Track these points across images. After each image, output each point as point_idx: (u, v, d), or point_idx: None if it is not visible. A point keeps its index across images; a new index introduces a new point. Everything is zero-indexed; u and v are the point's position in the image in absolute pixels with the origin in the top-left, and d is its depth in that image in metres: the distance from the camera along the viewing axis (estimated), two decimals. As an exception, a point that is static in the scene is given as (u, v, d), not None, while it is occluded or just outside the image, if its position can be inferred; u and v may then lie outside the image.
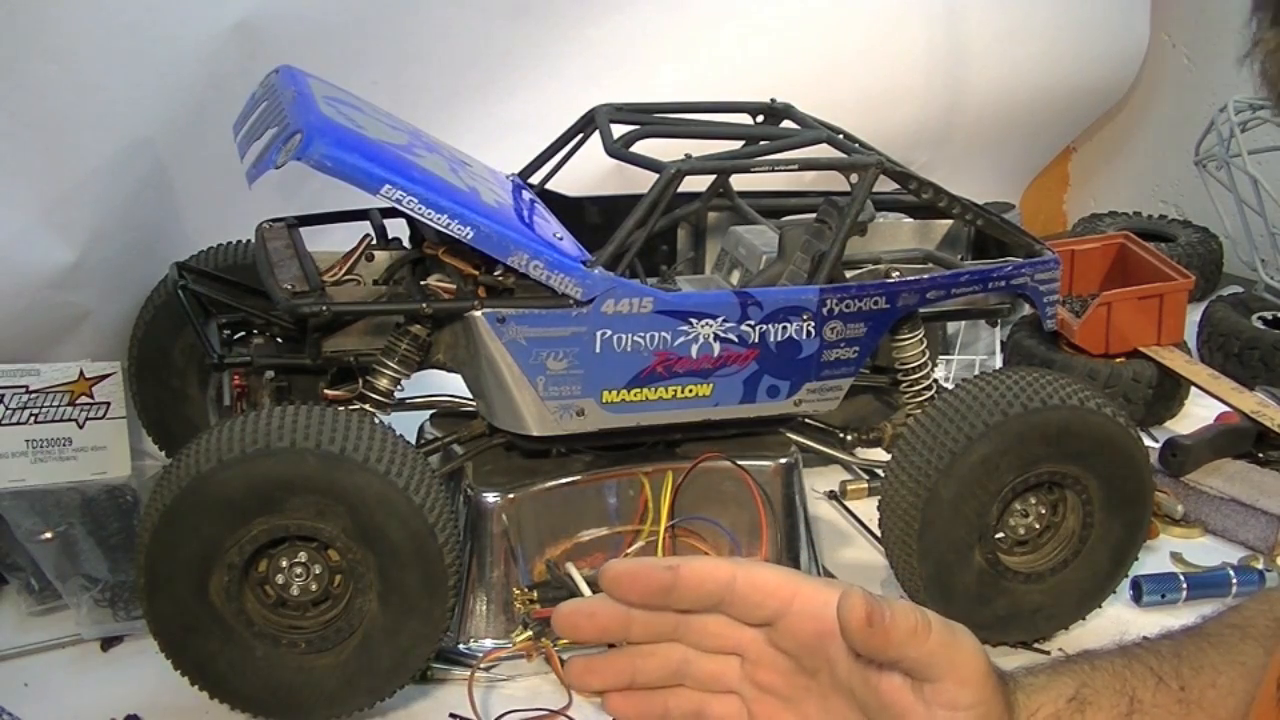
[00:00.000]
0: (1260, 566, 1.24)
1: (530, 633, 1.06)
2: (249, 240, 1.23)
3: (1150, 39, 2.05)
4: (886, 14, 1.80)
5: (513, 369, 1.03)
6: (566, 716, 1.02)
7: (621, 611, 0.69)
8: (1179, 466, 1.34)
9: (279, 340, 1.16)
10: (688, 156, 1.11)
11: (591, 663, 0.72)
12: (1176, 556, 1.27)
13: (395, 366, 1.07)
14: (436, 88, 1.53)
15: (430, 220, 0.99)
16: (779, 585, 0.68)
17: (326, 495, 0.95)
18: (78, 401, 1.28)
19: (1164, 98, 2.11)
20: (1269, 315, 1.65)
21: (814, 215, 1.19)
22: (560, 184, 1.27)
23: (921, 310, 1.15)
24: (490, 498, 1.09)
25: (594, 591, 1.05)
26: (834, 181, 1.17)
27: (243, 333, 1.18)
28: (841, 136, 1.19)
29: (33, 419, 1.26)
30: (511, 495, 1.09)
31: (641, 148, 1.15)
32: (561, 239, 1.08)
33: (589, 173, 1.36)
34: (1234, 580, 1.20)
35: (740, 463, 1.11)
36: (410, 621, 0.98)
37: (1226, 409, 1.44)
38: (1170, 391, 1.53)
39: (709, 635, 0.71)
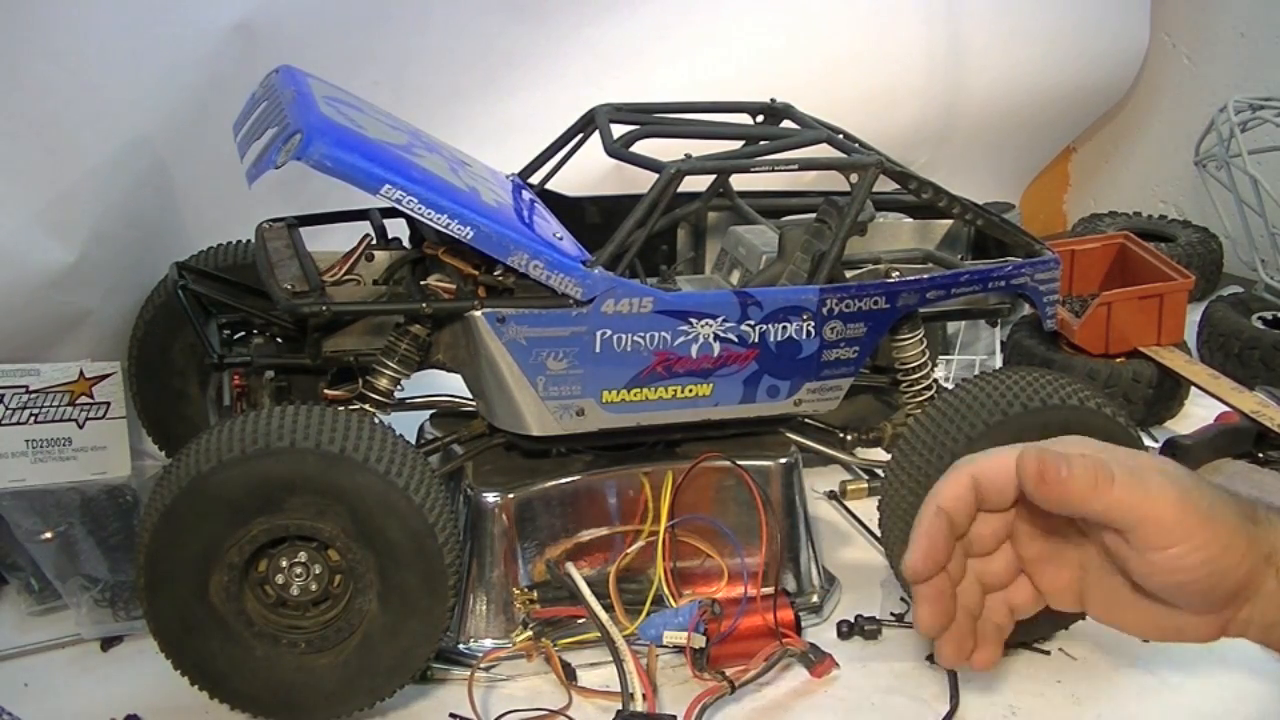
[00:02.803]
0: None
1: (530, 633, 1.06)
2: (249, 240, 1.23)
3: (1150, 39, 2.05)
4: (887, 14, 1.80)
5: (513, 369, 1.03)
6: (566, 716, 1.02)
7: (944, 545, 0.71)
8: (1179, 466, 1.34)
9: (279, 340, 1.17)
10: (688, 156, 1.11)
11: (936, 593, 0.73)
12: (1176, 556, 1.27)
13: (395, 366, 1.07)
14: (437, 88, 1.53)
15: (430, 220, 1.00)
16: (1006, 464, 0.69)
17: (326, 495, 0.95)
18: (78, 401, 1.28)
19: (1164, 98, 2.11)
20: (1269, 315, 1.65)
21: (814, 215, 1.19)
22: (560, 184, 1.27)
23: (921, 310, 1.15)
24: (490, 498, 1.09)
25: (594, 592, 1.06)
26: (834, 181, 1.17)
27: (243, 333, 1.18)
28: (841, 136, 1.19)
29: (33, 419, 1.26)
30: (511, 495, 1.09)
31: (641, 148, 1.15)
32: (561, 239, 1.08)
33: (589, 173, 1.36)
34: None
35: (740, 463, 1.11)
36: (410, 621, 0.98)
37: (1226, 409, 1.44)
38: (1170, 391, 1.53)
39: (981, 538, 0.73)
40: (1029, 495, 0.65)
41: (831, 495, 1.38)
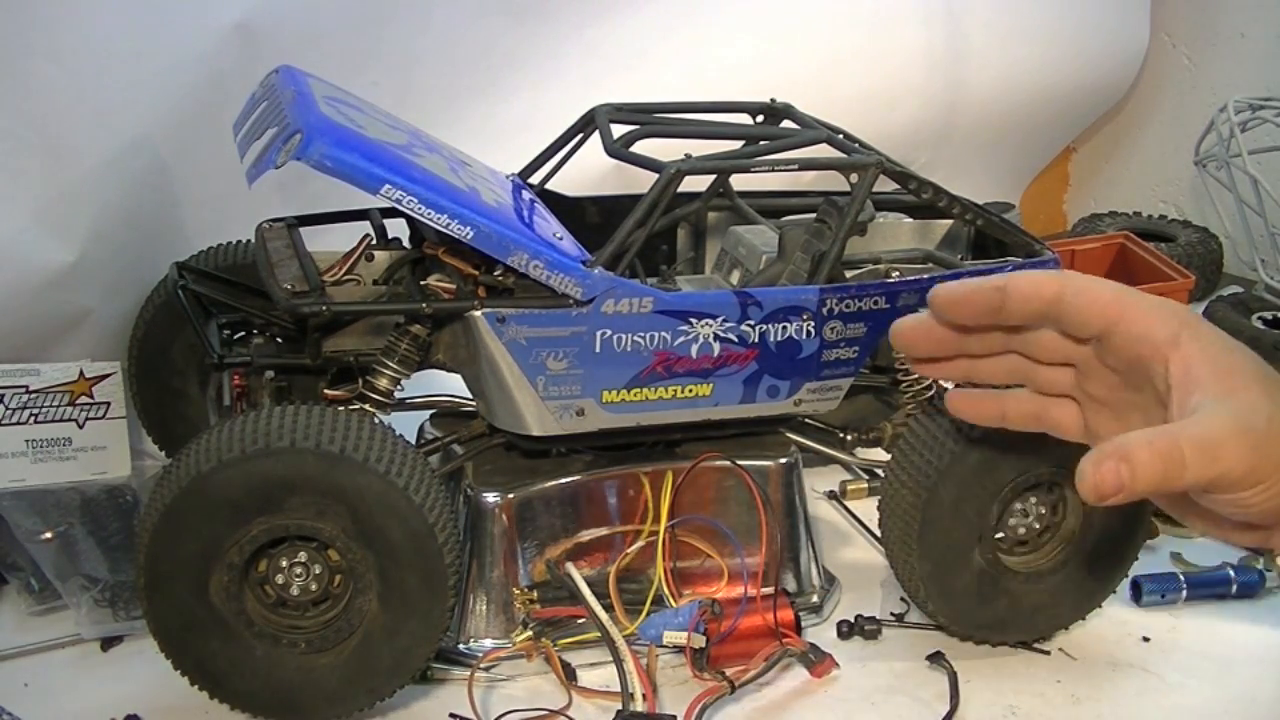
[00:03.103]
0: (1260, 566, 1.24)
1: (530, 633, 1.06)
2: (249, 240, 1.23)
3: (1150, 39, 2.05)
4: (886, 14, 1.80)
5: (513, 369, 1.03)
6: (566, 716, 1.02)
7: (954, 332, 0.72)
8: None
9: (279, 340, 1.17)
10: (688, 156, 1.11)
11: (929, 349, 0.74)
12: (1176, 556, 1.27)
13: (395, 366, 1.07)
14: (437, 88, 1.53)
15: (430, 220, 1.00)
16: (1107, 303, 0.69)
17: (326, 495, 0.95)
18: (78, 401, 1.28)
19: (1164, 98, 2.11)
20: (1269, 315, 1.65)
21: (814, 215, 1.19)
22: (560, 184, 1.27)
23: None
24: (490, 498, 1.09)
25: (594, 592, 1.06)
26: (834, 181, 1.17)
27: (243, 333, 1.18)
28: (841, 136, 1.19)
29: (33, 419, 1.26)
30: (511, 495, 1.09)
31: (641, 148, 1.15)
32: (561, 239, 1.08)
33: (589, 173, 1.36)
34: (1234, 580, 1.20)
35: (740, 463, 1.11)
36: (410, 621, 0.98)
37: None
38: (1170, 391, 1.53)
39: (1042, 348, 0.72)
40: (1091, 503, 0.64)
41: (831, 495, 1.38)
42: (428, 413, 1.25)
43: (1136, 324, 0.68)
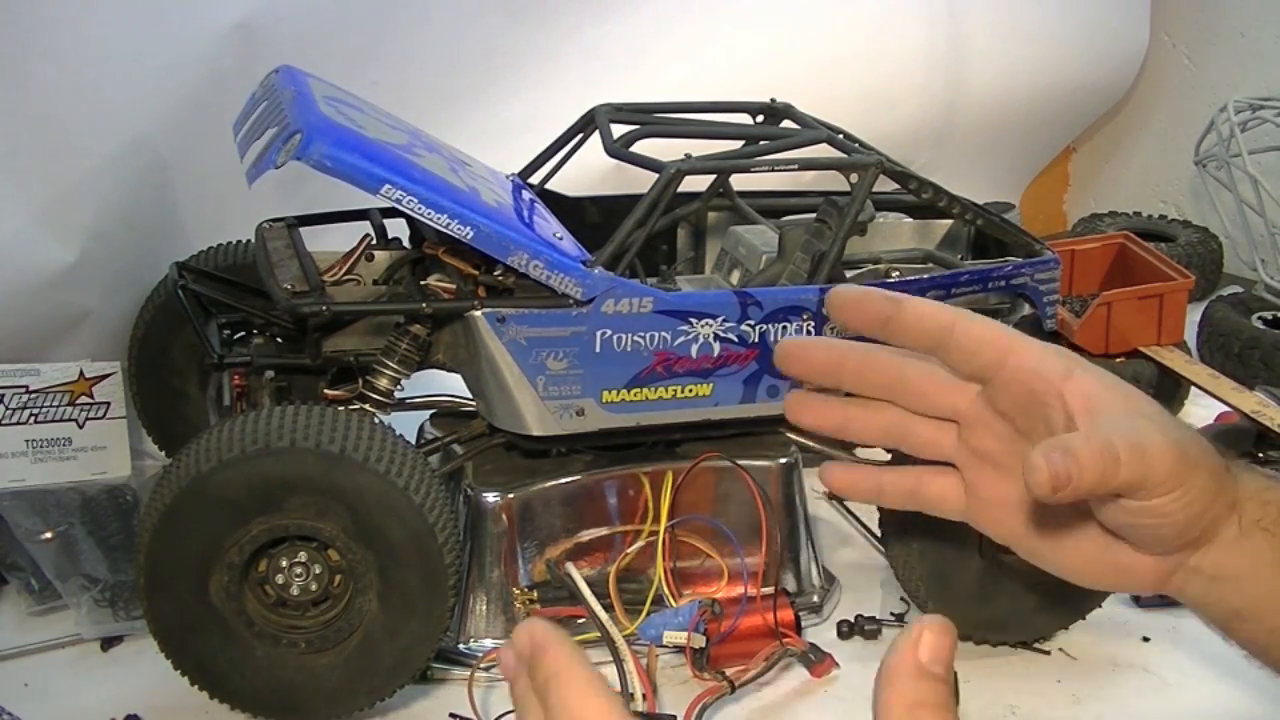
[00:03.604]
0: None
1: (530, 633, 1.06)
2: (249, 240, 1.23)
3: (1150, 39, 2.05)
4: (887, 13, 1.80)
5: (513, 369, 1.03)
6: (566, 716, 1.02)
7: (838, 352, 0.71)
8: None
9: (279, 340, 1.16)
10: (688, 156, 1.11)
11: (808, 397, 0.73)
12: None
13: (395, 366, 1.07)
14: (437, 88, 1.53)
15: (430, 220, 1.00)
16: (997, 337, 0.68)
17: (326, 495, 0.95)
18: (78, 401, 1.28)
19: (1164, 98, 2.11)
20: (1269, 315, 1.65)
21: (814, 215, 1.19)
22: (560, 184, 1.27)
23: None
24: (490, 498, 1.09)
25: (594, 592, 1.06)
26: (834, 181, 1.17)
27: (243, 333, 1.18)
28: (841, 136, 1.19)
29: (33, 419, 1.26)
30: (511, 495, 1.09)
31: (641, 148, 1.15)
32: (561, 239, 1.08)
33: (589, 173, 1.36)
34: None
35: (740, 463, 1.11)
36: (410, 621, 0.98)
37: (1226, 409, 1.44)
38: (1170, 391, 1.53)
39: (926, 396, 0.71)
40: (1039, 499, 0.63)
41: (831, 495, 1.38)
42: (428, 413, 1.25)
43: (1028, 358, 0.68)
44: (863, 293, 0.70)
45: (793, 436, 1.17)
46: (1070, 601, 1.12)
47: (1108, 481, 0.62)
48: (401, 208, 0.99)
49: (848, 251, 1.12)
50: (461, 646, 1.08)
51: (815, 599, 1.17)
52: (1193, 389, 1.53)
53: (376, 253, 1.15)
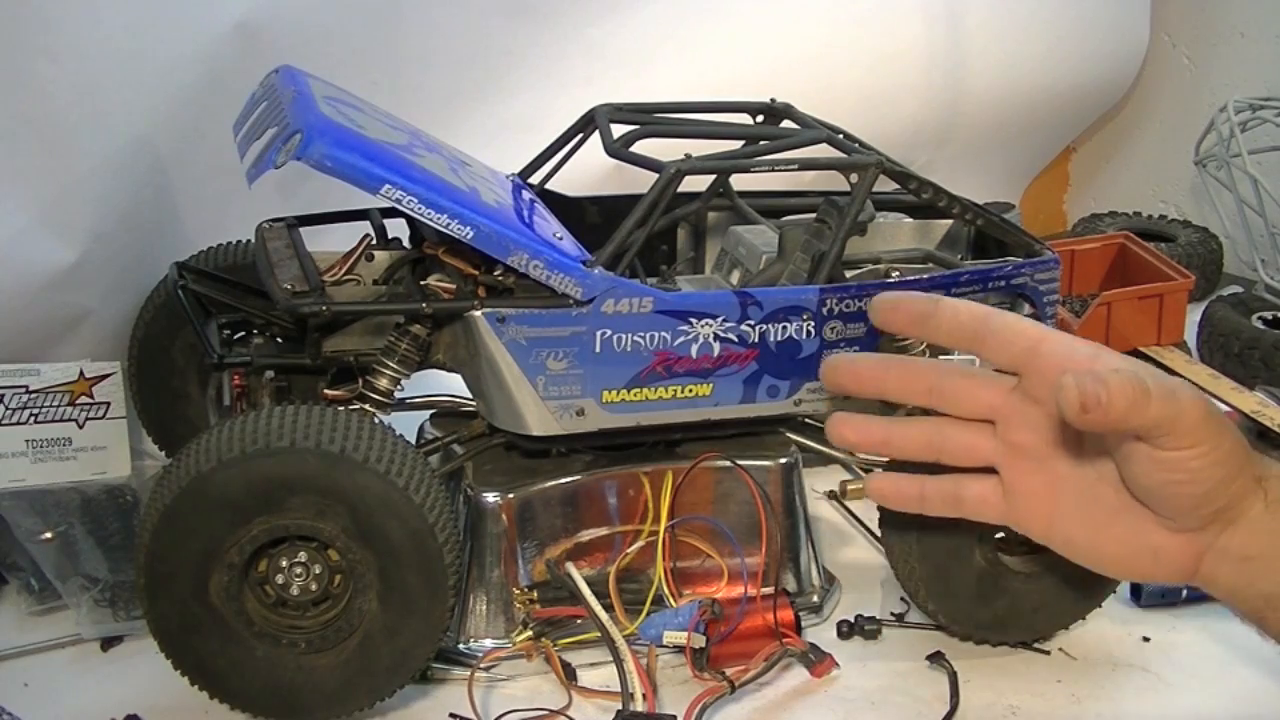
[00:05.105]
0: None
1: (530, 633, 1.06)
2: (249, 240, 1.23)
3: (1150, 39, 2.05)
4: (887, 13, 1.80)
5: (513, 369, 1.03)
6: (566, 716, 1.02)
7: (881, 364, 0.75)
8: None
9: (279, 340, 1.17)
10: (688, 156, 1.11)
11: (850, 418, 0.78)
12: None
13: (395, 366, 1.07)
14: (437, 88, 1.53)
15: (430, 220, 1.00)
16: (1029, 326, 0.72)
17: (326, 495, 0.95)
18: (78, 401, 1.28)
19: (1164, 98, 2.11)
20: (1269, 315, 1.65)
21: (814, 215, 1.19)
22: (560, 184, 1.27)
23: (921, 310, 1.15)
24: (490, 498, 1.09)
25: (594, 591, 1.06)
26: (834, 181, 1.17)
27: (243, 333, 1.18)
28: (841, 136, 1.19)
29: (33, 419, 1.26)
30: (511, 495, 1.09)
31: (641, 148, 1.15)
32: (561, 239, 1.08)
33: (589, 173, 1.36)
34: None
35: (740, 463, 1.11)
36: (410, 621, 0.98)
37: (1226, 409, 1.44)
38: (1170, 391, 1.53)
39: (964, 395, 0.74)
40: (1070, 422, 0.65)
41: (831, 495, 1.38)
42: (428, 413, 1.25)
43: (1059, 344, 0.71)
44: (902, 295, 0.75)
45: (793, 436, 1.17)
46: (1070, 602, 1.12)
47: (1139, 411, 0.64)
48: (401, 208, 0.99)
49: (848, 251, 1.12)
50: (461, 646, 1.08)
51: (815, 599, 1.17)
52: (1193, 389, 1.53)
53: (376, 253, 1.15)
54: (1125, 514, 0.71)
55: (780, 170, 1.13)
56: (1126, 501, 0.71)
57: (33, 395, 1.26)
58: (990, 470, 0.76)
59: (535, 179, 1.26)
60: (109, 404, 1.29)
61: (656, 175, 1.07)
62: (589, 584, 1.06)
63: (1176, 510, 0.69)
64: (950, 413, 0.75)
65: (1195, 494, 0.67)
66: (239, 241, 1.27)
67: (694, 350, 1.07)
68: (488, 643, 1.09)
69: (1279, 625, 0.72)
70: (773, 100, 1.27)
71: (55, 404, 1.27)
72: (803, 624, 1.12)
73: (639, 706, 1.00)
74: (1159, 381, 0.66)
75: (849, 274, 1.14)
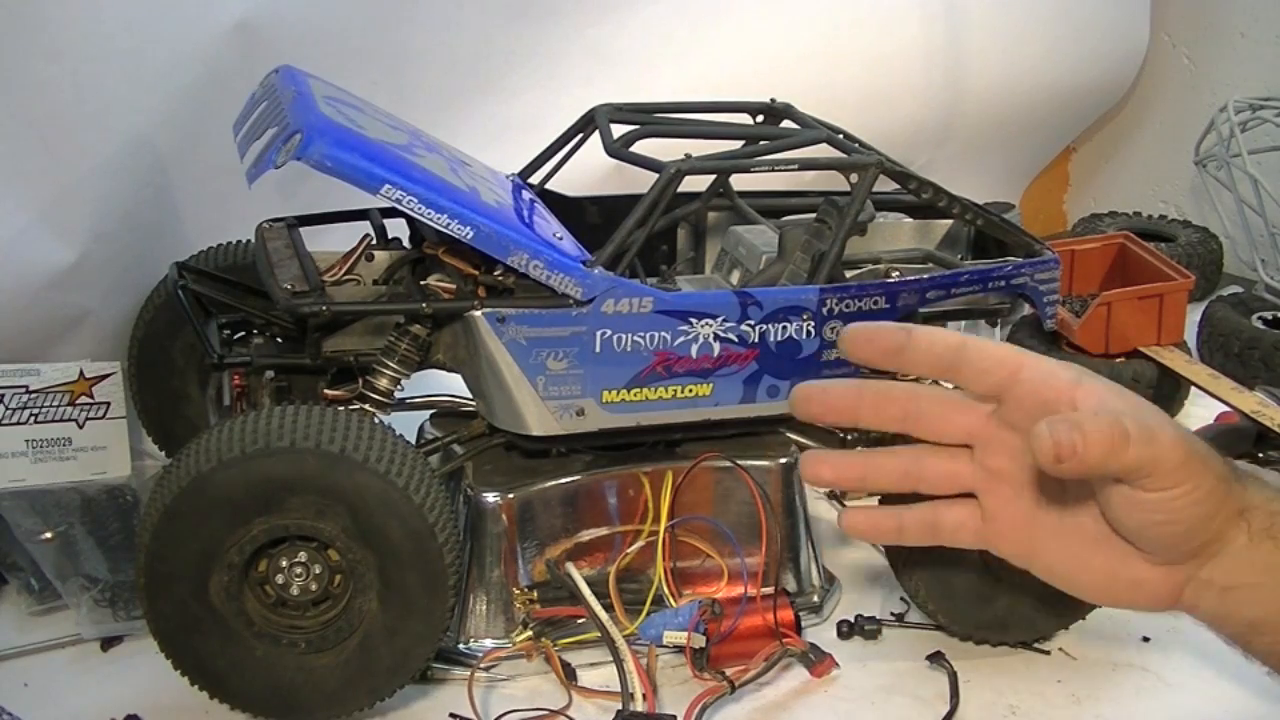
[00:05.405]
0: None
1: (530, 633, 1.06)
2: (249, 240, 1.23)
3: (1150, 39, 2.05)
4: (886, 14, 1.80)
5: (513, 369, 1.03)
6: (566, 716, 1.02)
7: (854, 390, 0.72)
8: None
9: (279, 340, 1.17)
10: (688, 156, 1.11)
11: (825, 454, 0.76)
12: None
13: (395, 366, 1.07)
14: (437, 88, 1.53)
15: (430, 220, 1.00)
16: (1006, 354, 0.70)
17: (326, 495, 0.95)
18: (78, 401, 1.28)
19: (1164, 98, 2.11)
20: (1269, 315, 1.65)
21: (814, 215, 1.19)
22: (560, 184, 1.27)
23: (921, 310, 1.15)
24: (490, 498, 1.09)
25: (594, 591, 1.06)
26: (834, 181, 1.17)
27: (243, 333, 1.18)
28: (841, 136, 1.19)
29: (33, 419, 1.26)
30: (511, 495, 1.09)
31: (641, 148, 1.15)
32: (561, 239, 1.08)
33: (589, 173, 1.36)
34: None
35: (740, 463, 1.11)
36: (410, 621, 0.98)
37: (1226, 409, 1.44)
38: (1170, 391, 1.53)
39: (940, 421, 0.72)
40: (1045, 470, 0.64)
41: (831, 495, 1.38)
42: (428, 413, 1.25)
43: (1039, 370, 0.69)
44: (874, 328, 0.72)
45: (793, 436, 1.17)
46: (1070, 602, 1.12)
47: (1117, 457, 0.63)
48: (401, 208, 0.99)
49: (848, 251, 1.12)
50: (461, 646, 1.08)
51: (815, 599, 1.17)
52: (1193, 389, 1.53)
53: (376, 253, 1.15)
54: (1105, 545, 0.70)
55: (780, 170, 1.13)
56: (1107, 532, 0.69)
57: (33, 395, 1.26)
58: (969, 495, 0.75)
59: (535, 179, 1.26)
60: (109, 404, 1.29)
61: (656, 175, 1.07)
62: (589, 584, 1.06)
63: (1158, 547, 0.68)
64: (926, 439, 0.73)
65: (1177, 532, 0.66)
66: (239, 241, 1.27)
67: (694, 350, 1.07)
68: (488, 643, 1.09)
69: (1263, 649, 0.71)
70: (773, 100, 1.27)
71: (55, 404, 1.27)
72: (803, 624, 1.12)
73: (639, 706, 1.00)
74: (1139, 423, 0.64)
75: (849, 274, 1.14)
